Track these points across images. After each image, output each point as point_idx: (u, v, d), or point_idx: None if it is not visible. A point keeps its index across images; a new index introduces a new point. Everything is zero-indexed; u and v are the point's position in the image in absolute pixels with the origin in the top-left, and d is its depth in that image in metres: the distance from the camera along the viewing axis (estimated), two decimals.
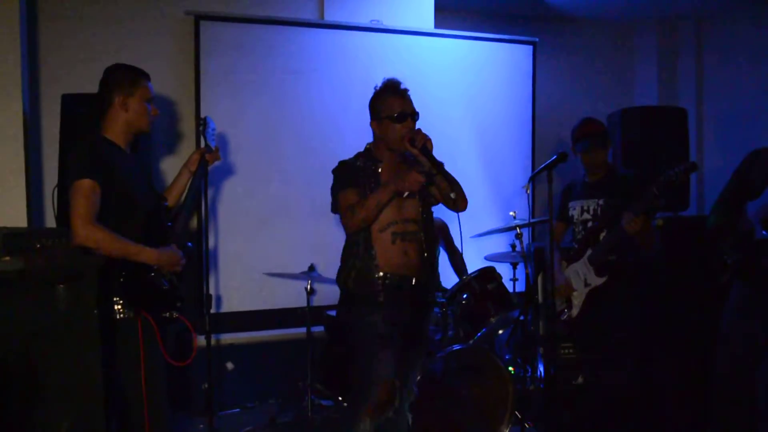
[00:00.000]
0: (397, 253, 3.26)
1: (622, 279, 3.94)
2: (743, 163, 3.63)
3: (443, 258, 5.11)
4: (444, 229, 5.06)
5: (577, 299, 4.06)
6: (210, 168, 3.51)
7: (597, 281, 3.96)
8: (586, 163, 4.11)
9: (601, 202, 4.01)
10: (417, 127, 3.27)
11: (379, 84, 3.35)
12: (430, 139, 3.18)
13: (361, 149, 3.46)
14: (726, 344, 3.71)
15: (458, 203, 3.32)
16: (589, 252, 4.01)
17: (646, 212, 3.69)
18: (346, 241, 3.39)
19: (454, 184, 3.22)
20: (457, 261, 5.07)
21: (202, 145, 3.51)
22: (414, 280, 3.31)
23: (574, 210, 4.14)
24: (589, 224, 4.03)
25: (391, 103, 3.25)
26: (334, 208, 3.39)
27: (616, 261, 3.94)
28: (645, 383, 4.01)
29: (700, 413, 4.14)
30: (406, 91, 3.29)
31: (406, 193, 3.29)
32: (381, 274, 3.23)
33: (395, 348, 3.21)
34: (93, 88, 4.19)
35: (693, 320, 4.66)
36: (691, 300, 4.72)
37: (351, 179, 3.29)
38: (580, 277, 4.04)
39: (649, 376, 4.06)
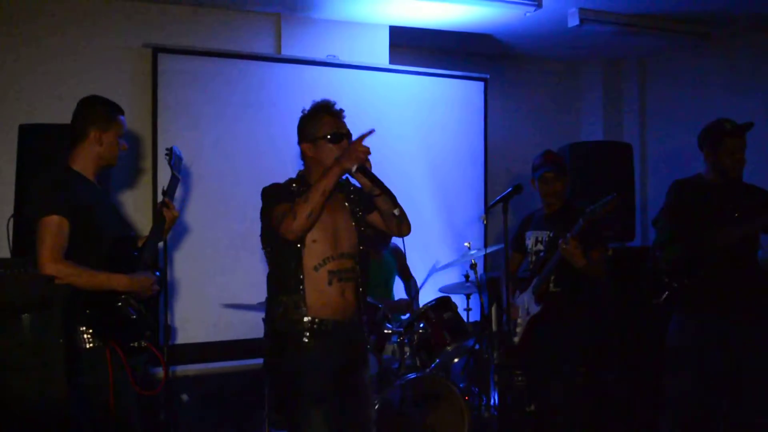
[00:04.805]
0: (334, 295, 3.02)
1: (555, 308, 4.03)
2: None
3: (398, 285, 5.20)
4: (400, 255, 5.12)
5: (520, 327, 4.18)
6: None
7: (534, 309, 4.07)
8: (544, 192, 4.19)
9: (552, 234, 4.12)
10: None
11: (308, 107, 3.20)
12: (368, 159, 2.95)
13: None
14: (674, 372, 3.90)
15: (402, 226, 3.11)
16: (534, 281, 4.13)
17: (581, 239, 3.83)
18: (271, 274, 3.13)
19: (396, 203, 3.00)
20: (411, 288, 5.15)
21: (164, 175, 3.49)
22: (351, 324, 3.09)
23: (529, 240, 4.25)
24: (541, 254, 4.15)
25: (327, 122, 3.10)
26: (267, 236, 3.11)
27: (559, 292, 4.05)
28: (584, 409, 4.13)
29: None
30: (341, 111, 3.15)
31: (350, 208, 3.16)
32: (308, 318, 2.97)
33: (329, 404, 2.96)
34: (48, 118, 4.24)
35: (637, 349, 4.84)
36: (634, 328, 4.90)
37: (286, 197, 3.03)
38: (525, 306, 4.16)
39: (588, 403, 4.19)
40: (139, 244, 3.28)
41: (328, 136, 3.07)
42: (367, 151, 2.92)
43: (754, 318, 3.73)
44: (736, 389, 3.77)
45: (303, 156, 3.20)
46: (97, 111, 3.13)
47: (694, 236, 3.77)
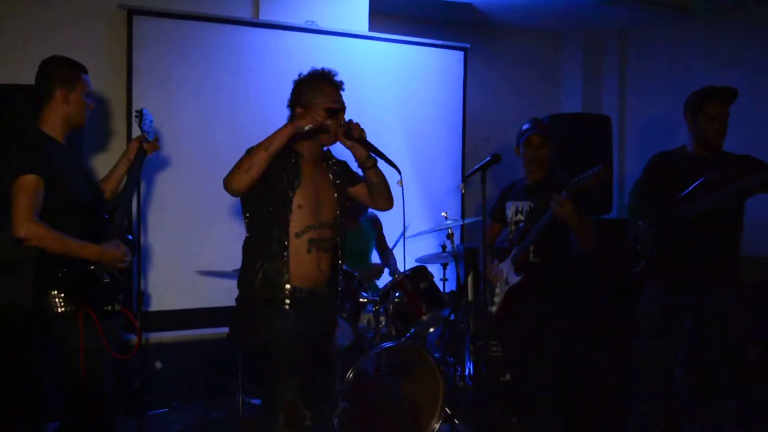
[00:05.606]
0: (310, 265, 3.00)
1: (536, 279, 3.99)
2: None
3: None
4: (378, 225, 5.11)
5: (498, 297, 4.16)
6: (146, 158, 3.44)
7: (514, 279, 4.03)
8: (529, 157, 4.07)
9: (532, 204, 4.05)
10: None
11: (306, 71, 3.10)
12: (364, 130, 3.00)
13: None
14: (644, 340, 3.93)
15: (389, 199, 3.18)
16: (514, 251, 4.11)
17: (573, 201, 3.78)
18: (251, 241, 3.07)
19: (383, 180, 3.10)
20: (389, 259, 5.14)
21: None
22: (323, 294, 3.09)
23: (509, 210, 4.20)
24: (521, 225, 4.12)
25: (326, 92, 3.02)
26: (248, 201, 3.06)
27: (538, 263, 4.01)
28: (564, 381, 4.14)
29: (621, 407, 4.35)
30: (341, 83, 3.08)
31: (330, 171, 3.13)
32: (290, 286, 2.94)
33: (301, 371, 2.95)
34: (19, 79, 4.13)
35: (613, 320, 4.87)
36: (610, 301, 4.92)
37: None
38: (503, 276, 4.14)
39: (568, 375, 4.19)
40: (106, 191, 3.26)
41: (325, 106, 2.96)
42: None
43: (721, 290, 3.74)
44: (703, 359, 3.81)
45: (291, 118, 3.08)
46: (61, 70, 3.09)
47: (663, 207, 3.77)
